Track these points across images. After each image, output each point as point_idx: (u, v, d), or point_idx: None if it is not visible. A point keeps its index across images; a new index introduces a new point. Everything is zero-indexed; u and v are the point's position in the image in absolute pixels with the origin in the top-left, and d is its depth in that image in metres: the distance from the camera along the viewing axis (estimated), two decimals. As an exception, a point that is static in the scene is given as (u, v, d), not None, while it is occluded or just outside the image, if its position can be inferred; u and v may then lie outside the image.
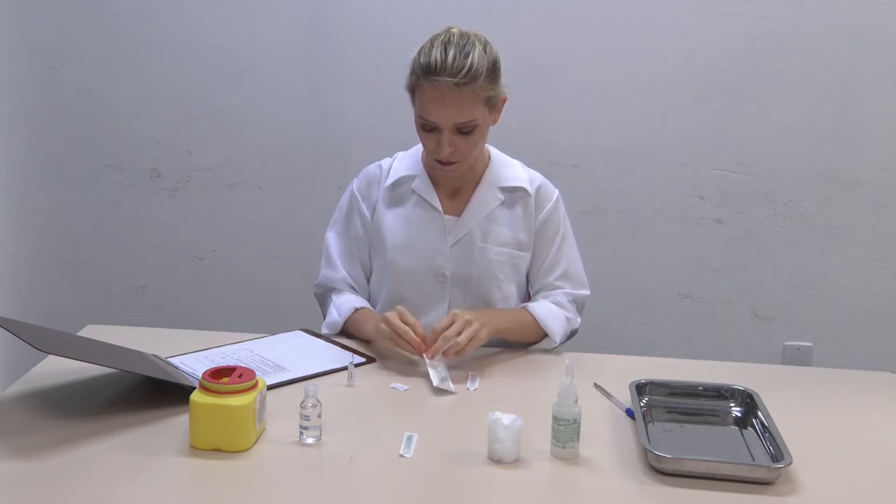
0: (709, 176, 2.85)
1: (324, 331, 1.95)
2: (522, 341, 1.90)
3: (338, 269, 1.98)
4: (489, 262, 1.90)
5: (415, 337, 1.71)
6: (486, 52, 1.77)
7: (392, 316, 1.73)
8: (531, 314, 1.89)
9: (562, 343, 1.93)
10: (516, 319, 1.88)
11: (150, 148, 2.96)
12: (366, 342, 1.90)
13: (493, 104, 1.81)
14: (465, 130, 1.78)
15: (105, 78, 2.91)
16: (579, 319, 1.99)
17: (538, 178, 1.97)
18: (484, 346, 1.90)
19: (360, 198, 1.97)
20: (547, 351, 1.91)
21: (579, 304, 1.98)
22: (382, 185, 1.96)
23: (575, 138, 2.85)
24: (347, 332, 1.93)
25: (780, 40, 2.74)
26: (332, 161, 2.91)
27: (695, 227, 2.89)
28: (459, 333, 1.70)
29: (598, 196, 2.88)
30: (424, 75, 1.75)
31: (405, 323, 1.73)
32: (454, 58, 1.72)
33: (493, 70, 1.78)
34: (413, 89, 1.80)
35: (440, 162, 1.83)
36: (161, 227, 3.01)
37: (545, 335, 1.89)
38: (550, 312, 1.90)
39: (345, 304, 1.93)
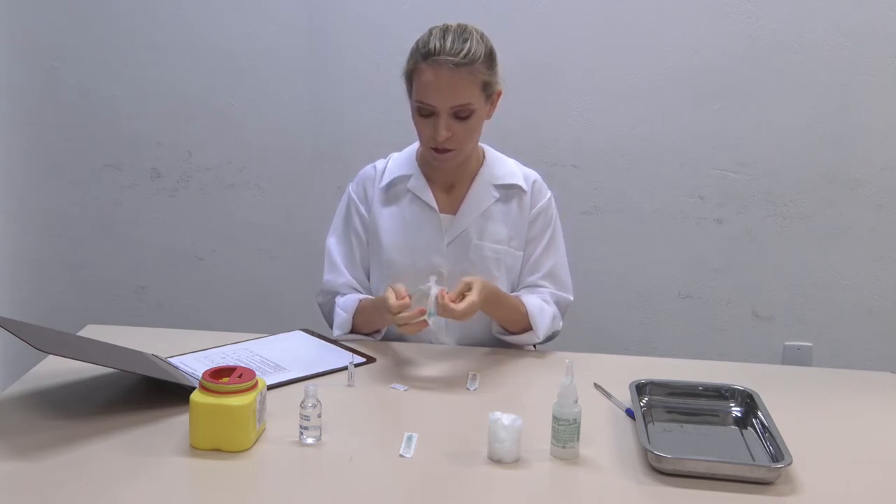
0: (709, 176, 2.85)
1: (335, 332, 1.93)
2: (505, 326, 1.90)
3: (341, 273, 1.97)
4: (485, 259, 1.90)
5: (414, 317, 1.70)
6: (482, 40, 1.80)
7: (389, 299, 1.71)
8: (523, 305, 1.88)
9: (543, 342, 1.94)
10: (507, 304, 1.87)
11: (150, 148, 2.96)
12: (367, 342, 1.90)
13: (490, 93, 1.82)
14: (462, 115, 1.78)
15: (105, 78, 2.91)
16: (562, 322, 1.99)
17: (533, 174, 1.98)
18: (482, 346, 1.91)
19: (357, 200, 1.97)
20: (535, 351, 1.91)
21: (562, 307, 1.98)
22: (377, 185, 1.96)
23: (575, 138, 2.85)
24: (357, 329, 1.92)
25: (780, 40, 2.73)
26: (332, 161, 2.91)
27: (695, 227, 2.89)
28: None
29: (598, 196, 2.88)
30: (423, 58, 1.77)
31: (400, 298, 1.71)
32: (453, 41, 1.76)
33: (490, 57, 1.80)
34: (411, 74, 1.81)
35: (436, 150, 1.83)
36: (161, 227, 3.01)
37: (529, 328, 1.88)
38: (540, 308, 1.90)
39: (349, 301, 1.93)
